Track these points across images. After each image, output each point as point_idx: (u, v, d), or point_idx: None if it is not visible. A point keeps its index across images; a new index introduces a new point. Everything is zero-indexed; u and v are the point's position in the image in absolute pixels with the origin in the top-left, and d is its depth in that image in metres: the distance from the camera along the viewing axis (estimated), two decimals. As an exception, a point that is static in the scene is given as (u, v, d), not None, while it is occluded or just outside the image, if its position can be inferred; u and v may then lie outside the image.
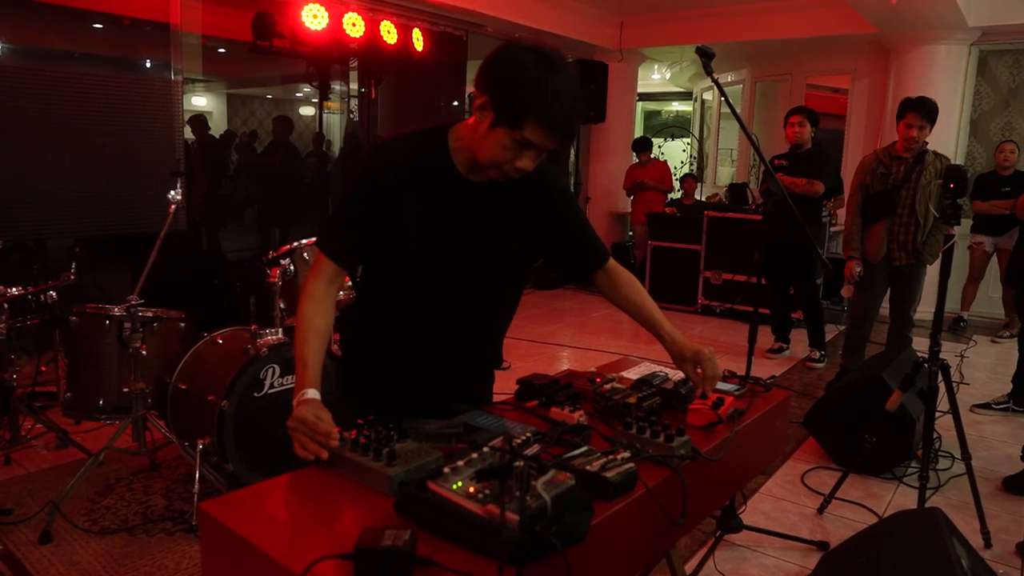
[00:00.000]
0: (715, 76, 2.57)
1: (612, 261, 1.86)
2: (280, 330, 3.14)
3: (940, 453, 3.63)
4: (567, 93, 1.46)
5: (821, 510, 3.13)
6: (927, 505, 2.83)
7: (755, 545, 2.85)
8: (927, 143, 4.28)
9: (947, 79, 6.74)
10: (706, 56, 2.54)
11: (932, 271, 4.02)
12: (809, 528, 3.02)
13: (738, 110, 10.26)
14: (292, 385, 2.98)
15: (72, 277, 3.34)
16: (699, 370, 1.72)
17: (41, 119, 4.97)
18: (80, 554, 2.63)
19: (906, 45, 6.91)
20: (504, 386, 1.99)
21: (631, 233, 8.95)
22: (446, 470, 1.27)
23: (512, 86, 1.46)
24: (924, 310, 4.78)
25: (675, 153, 11.76)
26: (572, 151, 9.36)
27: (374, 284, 1.79)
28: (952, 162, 4.30)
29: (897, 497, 3.30)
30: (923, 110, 4.13)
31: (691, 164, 10.84)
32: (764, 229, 5.30)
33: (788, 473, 3.52)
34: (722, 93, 2.57)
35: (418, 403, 1.73)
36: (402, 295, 1.73)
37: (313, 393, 1.52)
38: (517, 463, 1.15)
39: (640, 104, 11.32)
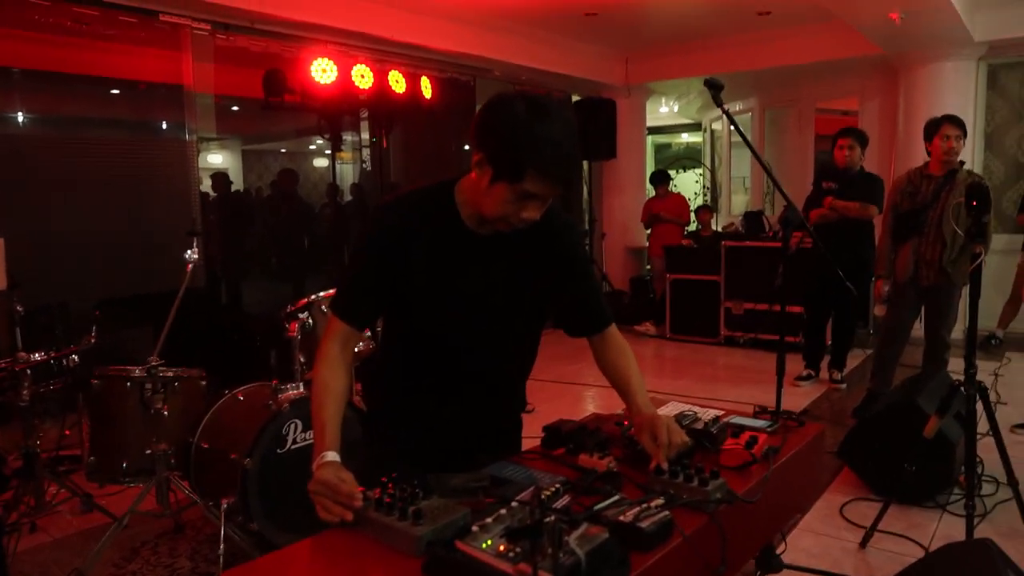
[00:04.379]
0: (725, 108, 2.56)
1: (612, 327, 1.79)
2: (301, 384, 3.11)
3: (983, 478, 3.50)
4: (562, 138, 1.44)
5: (864, 543, 3.02)
6: (975, 534, 2.72)
7: (798, 584, 2.75)
8: (963, 162, 4.25)
9: (957, 95, 6.70)
10: (715, 88, 2.53)
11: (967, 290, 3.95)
12: (853, 564, 2.91)
13: (749, 136, 10.29)
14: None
15: (92, 340, 3.35)
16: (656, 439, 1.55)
17: (63, 184, 5.07)
18: (106, 623, 2.59)
19: (913, 63, 6.90)
20: (530, 429, 1.94)
21: (648, 267, 8.91)
22: (474, 528, 1.22)
23: (506, 140, 1.44)
24: (959, 328, 4.68)
25: (687, 184, 11.76)
26: (585, 188, 9.38)
27: (392, 337, 1.78)
28: (981, 180, 4.26)
29: (942, 527, 3.18)
30: (956, 121, 4.13)
31: (704, 194, 10.82)
32: (810, 256, 5.30)
33: (826, 506, 3.41)
34: (733, 124, 2.56)
35: (444, 453, 1.70)
36: (418, 348, 1.72)
37: (332, 456, 1.50)
38: (548, 518, 1.11)
39: (650, 138, 11.37)
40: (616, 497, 1.37)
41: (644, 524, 1.28)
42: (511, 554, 1.14)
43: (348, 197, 8.61)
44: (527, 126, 1.43)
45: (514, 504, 1.29)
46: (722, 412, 1.92)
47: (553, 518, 1.12)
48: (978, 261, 2.62)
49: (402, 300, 1.65)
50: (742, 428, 1.77)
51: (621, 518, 1.29)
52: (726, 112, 2.56)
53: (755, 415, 1.94)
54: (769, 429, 1.80)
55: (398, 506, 1.34)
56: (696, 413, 1.89)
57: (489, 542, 1.18)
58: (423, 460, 1.62)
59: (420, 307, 1.65)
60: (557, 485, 1.44)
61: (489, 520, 1.24)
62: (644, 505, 1.33)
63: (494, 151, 1.46)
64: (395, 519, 1.32)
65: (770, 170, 2.61)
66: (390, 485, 1.42)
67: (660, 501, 1.35)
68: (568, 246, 1.73)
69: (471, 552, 1.17)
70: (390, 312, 1.73)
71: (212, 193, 7.06)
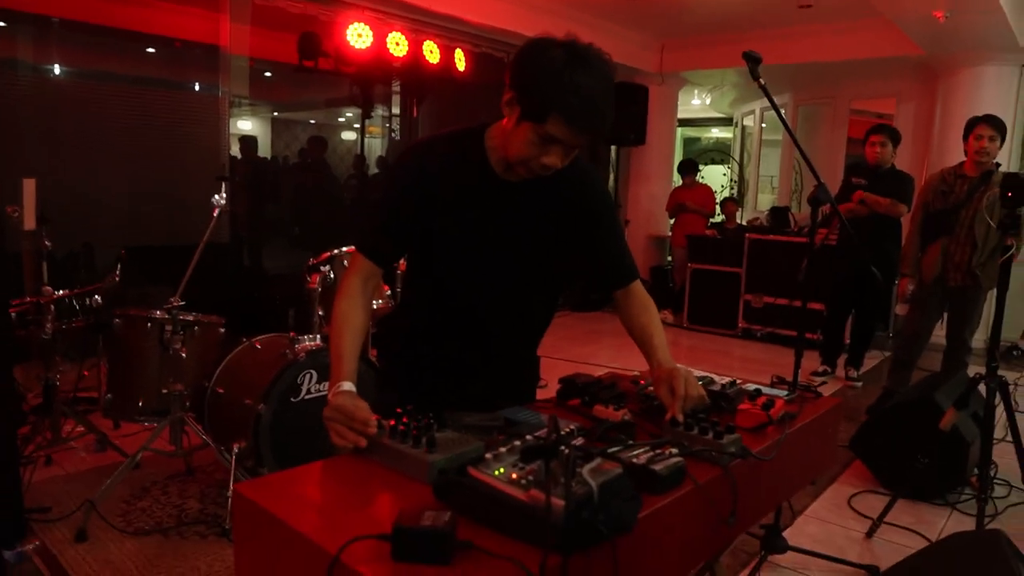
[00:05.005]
0: (762, 82, 2.53)
1: (637, 283, 1.79)
2: (318, 336, 3.13)
3: (996, 480, 3.46)
4: (593, 89, 1.42)
5: (870, 534, 3.01)
6: (985, 532, 2.70)
7: (801, 567, 2.74)
8: (999, 164, 4.19)
9: (997, 101, 6.55)
10: (753, 61, 2.49)
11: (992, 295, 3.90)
12: (858, 552, 2.89)
13: (779, 136, 10.17)
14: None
15: (116, 278, 3.39)
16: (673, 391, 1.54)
17: (96, 134, 5.13)
18: (114, 553, 2.63)
19: (954, 66, 6.78)
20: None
21: (670, 257, 8.86)
22: (487, 456, 1.22)
23: (537, 81, 1.43)
24: (976, 337, 4.61)
25: (715, 178, 11.67)
26: (612, 174, 9.34)
27: (411, 284, 1.78)
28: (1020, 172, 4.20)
29: (951, 523, 3.15)
30: (992, 121, 4.08)
31: (731, 189, 10.75)
32: (835, 252, 5.26)
33: (834, 496, 3.39)
34: (768, 97, 2.52)
35: (459, 400, 1.69)
36: (436, 294, 1.73)
37: (349, 386, 1.51)
38: (563, 448, 1.11)
39: (680, 130, 11.27)
40: (630, 443, 1.37)
41: (657, 467, 1.27)
42: (523, 481, 1.14)
43: (374, 170, 8.63)
44: (560, 70, 1.41)
45: (529, 438, 1.29)
46: (739, 380, 1.90)
47: (567, 450, 1.12)
48: (1009, 254, 2.58)
49: (425, 240, 1.65)
50: (759, 393, 1.75)
51: (635, 460, 1.28)
52: (763, 86, 2.51)
53: (772, 384, 1.93)
54: (787, 397, 1.79)
55: (412, 434, 1.35)
56: (713, 378, 1.87)
57: (502, 470, 1.18)
58: (437, 405, 1.62)
59: (442, 248, 1.66)
60: (572, 427, 1.44)
61: (503, 450, 1.24)
62: (658, 451, 1.33)
63: (523, 90, 1.46)
64: (409, 446, 1.33)
65: (801, 147, 2.58)
66: (404, 416, 1.43)
67: (674, 449, 1.35)
68: (595, 198, 1.72)
69: (483, 478, 1.17)
70: (412, 254, 1.74)
71: (239, 156, 7.11)
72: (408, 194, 1.61)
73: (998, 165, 4.21)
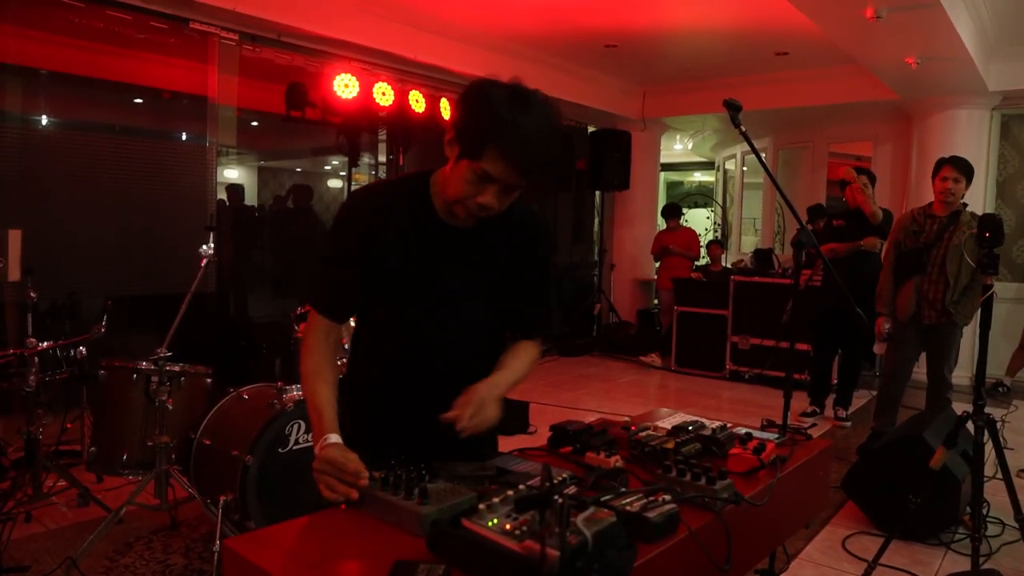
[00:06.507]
0: (742, 129, 2.58)
1: (536, 342, 1.76)
2: (306, 385, 3.10)
3: (988, 519, 3.45)
4: (533, 130, 1.42)
5: (865, 577, 2.98)
6: (979, 572, 2.68)
7: (797, 613, 2.70)
8: (966, 204, 4.27)
9: (970, 143, 6.73)
10: (734, 109, 2.54)
11: (970, 331, 3.94)
12: (854, 596, 2.86)
13: (760, 178, 10.33)
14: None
15: (102, 329, 3.36)
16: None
17: (83, 184, 5.13)
18: (97, 613, 2.56)
19: (928, 110, 6.96)
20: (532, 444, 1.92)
21: (656, 300, 8.91)
22: (481, 507, 1.22)
23: (475, 117, 1.44)
24: (961, 375, 4.65)
25: (698, 221, 11.81)
26: (596, 219, 9.42)
27: (362, 327, 1.73)
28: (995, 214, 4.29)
29: (946, 564, 3.13)
30: (957, 163, 4.17)
31: (715, 232, 10.87)
32: (819, 293, 5.30)
33: (828, 538, 3.37)
34: (750, 144, 2.56)
35: (418, 455, 1.57)
36: (384, 342, 1.67)
37: (335, 438, 1.48)
38: (556, 497, 1.10)
39: (662, 175, 11.44)
40: (623, 491, 1.37)
41: (651, 515, 1.27)
42: (517, 532, 1.13)
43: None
44: (498, 108, 1.42)
45: (521, 487, 1.29)
46: (729, 424, 1.91)
47: (561, 499, 1.11)
48: (989, 292, 2.62)
49: (373, 288, 1.61)
50: (750, 436, 1.76)
51: (628, 508, 1.28)
52: (744, 134, 2.56)
53: (763, 428, 1.93)
54: (777, 440, 1.79)
55: (404, 486, 1.34)
56: (703, 422, 1.88)
57: (496, 520, 1.17)
58: (398, 456, 1.53)
59: (385, 295, 1.61)
60: (564, 476, 1.44)
61: (496, 500, 1.23)
62: (651, 498, 1.32)
63: (462, 127, 1.46)
64: (401, 498, 1.32)
65: (782, 190, 2.62)
66: (396, 467, 1.42)
67: (667, 496, 1.35)
68: (542, 251, 1.73)
69: (477, 529, 1.16)
70: (362, 299, 1.67)
71: (227, 202, 7.13)
72: (352, 245, 1.58)
73: (965, 205, 4.29)
